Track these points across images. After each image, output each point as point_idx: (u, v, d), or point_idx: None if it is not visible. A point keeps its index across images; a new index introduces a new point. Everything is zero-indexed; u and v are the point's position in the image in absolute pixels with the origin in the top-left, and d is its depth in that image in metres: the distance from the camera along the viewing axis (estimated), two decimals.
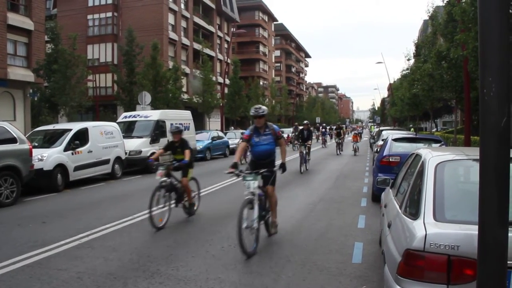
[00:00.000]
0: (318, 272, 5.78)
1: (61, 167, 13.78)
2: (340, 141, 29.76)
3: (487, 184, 2.15)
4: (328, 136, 43.32)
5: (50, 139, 15.02)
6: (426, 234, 3.12)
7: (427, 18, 25.96)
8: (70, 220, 9.27)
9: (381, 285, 4.42)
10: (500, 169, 2.12)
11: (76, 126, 15.46)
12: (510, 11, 3.49)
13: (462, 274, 2.99)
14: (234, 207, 10.43)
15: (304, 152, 18.90)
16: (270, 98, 68.39)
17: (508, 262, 2.44)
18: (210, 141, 26.19)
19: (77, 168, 14.54)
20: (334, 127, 39.65)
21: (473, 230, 2.37)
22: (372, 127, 78.50)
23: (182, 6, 47.88)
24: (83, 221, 9.05)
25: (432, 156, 4.06)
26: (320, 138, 41.80)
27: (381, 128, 37.35)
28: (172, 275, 5.68)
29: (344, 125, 68.75)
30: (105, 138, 16.46)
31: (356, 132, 34.33)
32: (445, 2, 19.17)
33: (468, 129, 17.55)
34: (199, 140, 24.89)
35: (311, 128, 25.49)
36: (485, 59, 2.14)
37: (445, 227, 3.19)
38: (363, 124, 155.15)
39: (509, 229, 2.49)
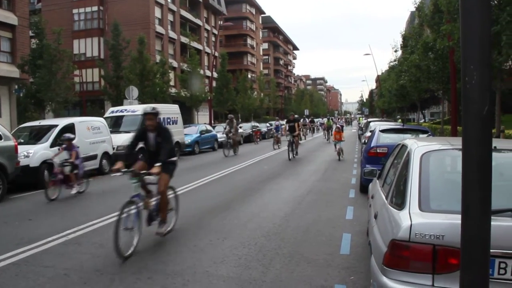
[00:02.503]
0: (306, 264, 5.78)
1: (47, 164, 13.64)
2: (292, 140, 20.48)
3: (469, 173, 2.15)
4: (280, 132, 27.83)
5: (36, 135, 14.84)
6: (411, 224, 3.12)
7: (414, 9, 26.05)
8: (57, 216, 9.19)
9: (369, 276, 4.43)
10: (482, 157, 2.12)
11: (62, 122, 15.30)
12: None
13: (447, 263, 3.00)
14: (222, 200, 10.48)
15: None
16: (258, 91, 68.32)
17: (491, 250, 2.45)
18: (198, 135, 26.11)
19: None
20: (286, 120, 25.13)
21: (458, 219, 2.36)
22: (361, 118, 78.78)
23: None
24: (70, 217, 8.98)
25: (417, 146, 4.06)
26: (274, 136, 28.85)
27: (369, 119, 37.49)
28: (159, 270, 5.65)
29: (307, 118, 52.54)
30: (92, 133, 16.32)
31: (337, 126, 22.25)
32: None
33: (454, 120, 17.65)
34: (187, 134, 24.80)
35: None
36: (467, 48, 2.13)
37: (430, 217, 3.19)
38: (352, 116, 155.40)
39: (492, 217, 2.50)
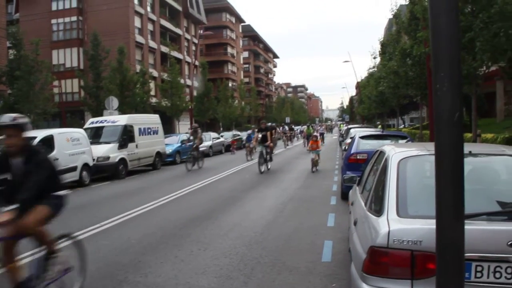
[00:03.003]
0: (288, 272, 5.77)
1: None
2: (267, 151, 18.58)
3: (442, 179, 2.17)
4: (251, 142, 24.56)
5: None
6: (389, 231, 3.13)
7: (391, 17, 26.39)
8: None
9: (350, 283, 4.44)
10: (454, 163, 2.15)
11: (41, 134, 15.09)
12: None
13: (425, 268, 3.01)
14: (203, 210, 10.43)
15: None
16: (239, 99, 68.35)
17: (468, 254, 2.47)
18: (179, 144, 25.97)
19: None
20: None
21: (435, 224, 2.38)
22: (341, 125, 79.30)
23: (149, 9, 47.44)
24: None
25: (395, 152, 4.08)
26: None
27: (349, 126, 37.74)
28: (140, 282, 5.59)
29: (287, 126, 52.13)
30: (72, 144, 16.14)
31: (315, 135, 20.02)
32: (407, 0, 19.56)
33: (432, 125, 17.81)
34: (168, 144, 24.66)
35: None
36: (437, 55, 2.16)
37: (408, 222, 3.21)
38: (333, 123, 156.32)
39: (468, 221, 2.53)
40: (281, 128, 35.67)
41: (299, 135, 54.24)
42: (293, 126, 56.43)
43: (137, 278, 5.72)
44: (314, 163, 17.77)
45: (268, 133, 18.74)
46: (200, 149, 22.14)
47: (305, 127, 51.35)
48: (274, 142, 23.92)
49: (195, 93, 45.21)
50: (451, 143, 2.14)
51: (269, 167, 18.63)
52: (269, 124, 20.62)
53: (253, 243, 7.26)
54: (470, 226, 2.71)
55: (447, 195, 2.17)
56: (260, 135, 19.41)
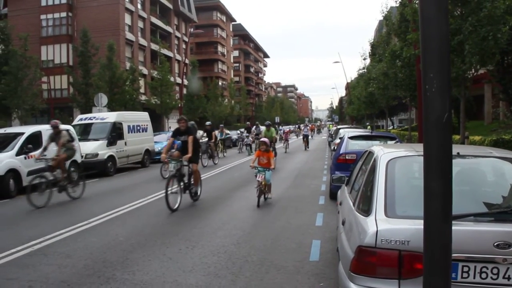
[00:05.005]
0: (276, 271, 5.79)
1: (13, 172, 13.30)
2: (190, 171, 11.04)
3: (431, 179, 2.19)
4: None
5: (1, 144, 14.43)
6: (377, 231, 3.15)
7: (381, 18, 26.53)
8: (22, 227, 8.96)
9: (338, 282, 4.46)
10: (443, 164, 2.17)
11: (29, 130, 14.95)
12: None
13: (413, 268, 3.03)
14: (192, 208, 10.41)
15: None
16: (229, 98, 68.28)
17: (455, 254, 2.50)
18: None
19: (31, 173, 14.08)
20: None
21: (423, 225, 2.40)
22: (331, 125, 79.48)
23: (139, 6, 47.25)
24: (36, 227, 8.76)
25: (383, 153, 4.11)
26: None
27: (338, 126, 37.81)
28: (128, 279, 5.57)
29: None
30: None
31: (264, 140, 11.33)
32: (398, 3, 19.68)
33: (421, 126, 17.97)
34: (157, 142, 24.55)
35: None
36: (426, 57, 2.18)
37: (396, 222, 3.23)
38: (322, 123, 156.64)
39: (455, 222, 2.56)
40: (253, 128, 27.21)
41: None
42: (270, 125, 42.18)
43: (125, 276, 5.70)
44: (261, 189, 10.44)
45: (189, 138, 10.72)
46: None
47: (288, 127, 48.79)
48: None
49: (185, 91, 45.14)
50: (439, 144, 2.16)
51: (194, 197, 11.20)
52: (191, 123, 12.84)
53: (242, 242, 7.26)
54: (457, 227, 2.74)
55: (435, 196, 2.19)
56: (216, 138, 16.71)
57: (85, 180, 13.32)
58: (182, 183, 10.63)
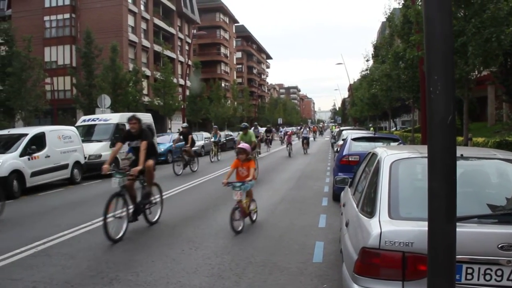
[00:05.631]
0: (279, 272, 5.79)
1: (17, 173, 13.35)
2: (145, 191, 8.90)
3: (435, 181, 2.20)
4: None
5: (5, 145, 14.48)
6: (381, 232, 3.15)
7: (384, 20, 26.50)
8: (26, 227, 8.99)
9: (341, 284, 4.46)
10: (447, 165, 2.17)
11: (32, 131, 15.01)
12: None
13: (416, 270, 3.03)
14: (194, 209, 10.41)
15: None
16: (232, 99, 68.35)
17: (459, 256, 2.50)
18: (171, 144, 25.88)
19: (34, 174, 14.12)
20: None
21: (427, 226, 2.41)
22: (333, 127, 79.36)
23: (142, 7, 47.33)
24: (40, 228, 8.79)
25: (387, 154, 4.11)
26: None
27: (341, 128, 37.74)
28: (131, 280, 5.58)
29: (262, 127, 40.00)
30: (63, 142, 16.05)
31: (241, 147, 8.82)
32: (401, 4, 19.66)
33: (424, 128, 17.91)
34: (160, 143, 24.58)
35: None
36: (431, 58, 2.19)
37: (399, 224, 3.24)
38: (325, 124, 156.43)
39: (459, 224, 2.56)
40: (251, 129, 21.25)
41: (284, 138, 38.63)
42: (270, 127, 37.73)
43: (128, 277, 5.71)
44: (243, 210, 8.15)
45: (142, 144, 8.49)
46: (193, 148, 20.61)
47: (290, 129, 47.84)
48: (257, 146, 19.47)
49: (188, 93, 45.22)
50: (443, 146, 2.17)
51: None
52: (147, 124, 11.56)
53: (245, 243, 7.26)
54: (461, 229, 2.74)
55: (439, 197, 2.19)
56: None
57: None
58: (131, 206, 8.18)
